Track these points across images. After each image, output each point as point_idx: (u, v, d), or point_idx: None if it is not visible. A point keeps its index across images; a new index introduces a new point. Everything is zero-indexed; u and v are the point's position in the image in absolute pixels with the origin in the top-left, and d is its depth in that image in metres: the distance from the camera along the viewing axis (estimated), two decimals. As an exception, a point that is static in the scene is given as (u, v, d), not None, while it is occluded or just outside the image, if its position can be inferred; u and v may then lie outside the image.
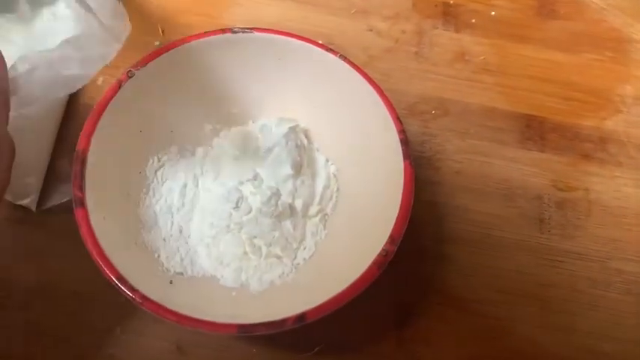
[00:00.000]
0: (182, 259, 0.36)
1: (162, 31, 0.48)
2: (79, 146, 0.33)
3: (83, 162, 0.33)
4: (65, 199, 0.39)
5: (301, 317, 0.31)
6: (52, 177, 0.41)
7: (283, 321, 0.30)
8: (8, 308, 0.37)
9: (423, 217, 0.42)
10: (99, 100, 0.35)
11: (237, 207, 0.37)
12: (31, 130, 0.38)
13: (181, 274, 0.36)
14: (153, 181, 0.38)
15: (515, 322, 0.39)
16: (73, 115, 0.43)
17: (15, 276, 0.37)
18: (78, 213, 0.32)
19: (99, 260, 0.31)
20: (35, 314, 0.37)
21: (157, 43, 0.47)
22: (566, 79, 0.49)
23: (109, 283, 0.30)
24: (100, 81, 0.45)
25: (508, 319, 0.39)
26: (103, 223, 0.32)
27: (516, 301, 0.40)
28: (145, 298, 0.30)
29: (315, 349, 0.37)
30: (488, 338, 0.39)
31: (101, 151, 0.34)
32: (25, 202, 0.39)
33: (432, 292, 0.39)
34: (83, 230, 0.31)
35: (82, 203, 0.32)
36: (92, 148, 0.33)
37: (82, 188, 0.32)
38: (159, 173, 0.38)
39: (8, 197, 0.39)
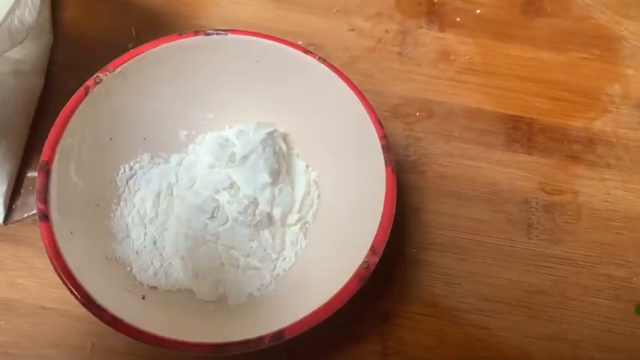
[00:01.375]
0: (156, 273, 0.35)
1: (136, 34, 0.46)
2: (43, 157, 0.31)
3: (47, 173, 0.31)
4: (33, 212, 0.38)
5: (279, 335, 0.29)
6: (20, 188, 0.39)
7: (260, 339, 0.29)
8: (-27, 327, 0.35)
9: (407, 223, 0.40)
10: (63, 108, 0.33)
11: (213, 217, 0.36)
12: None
13: (155, 288, 0.34)
14: (124, 191, 0.36)
15: (503, 331, 0.38)
16: (43, 123, 0.41)
17: (-20, 292, 0.36)
18: (42, 227, 0.30)
19: (64, 277, 0.29)
20: (3, 330, 0.35)
21: (130, 45, 0.45)
22: (554, 79, 0.48)
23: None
24: (70, 85, 0.43)
25: (496, 329, 0.38)
26: (69, 237, 0.31)
27: (504, 310, 0.39)
28: (113, 318, 0.29)
29: (295, 364, 0.36)
30: (476, 348, 0.37)
31: (67, 162, 0.32)
32: (-10, 214, 0.37)
33: (417, 301, 0.38)
34: (47, 245, 0.29)
35: (45, 217, 0.30)
36: (57, 158, 0.32)
37: (46, 201, 0.30)
38: (130, 182, 0.37)
39: (-26, 210, 0.37)
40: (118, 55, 0.36)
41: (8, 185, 0.38)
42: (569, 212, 0.42)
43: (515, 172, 0.43)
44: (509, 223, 0.41)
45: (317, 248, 0.37)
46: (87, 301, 0.29)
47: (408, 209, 0.41)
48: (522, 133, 0.45)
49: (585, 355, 0.38)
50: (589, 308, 0.39)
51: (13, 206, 0.38)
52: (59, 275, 0.29)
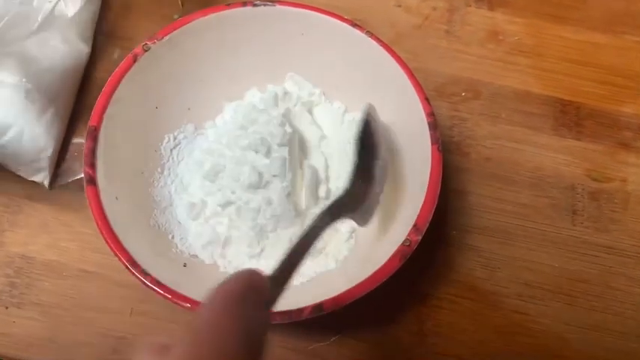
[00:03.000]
0: (204, 236, 0.35)
1: (182, 4, 0.46)
2: (91, 122, 0.32)
3: (95, 139, 0.31)
4: (78, 177, 0.38)
5: (319, 307, 0.29)
6: (66, 154, 0.40)
7: (300, 310, 0.29)
8: (18, 286, 0.36)
9: (448, 204, 0.40)
10: (112, 74, 0.33)
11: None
12: (43, 105, 0.36)
13: (196, 256, 0.35)
14: (168, 160, 0.37)
15: (542, 317, 0.37)
16: (89, 91, 0.42)
17: (25, 252, 0.37)
18: (89, 191, 0.30)
19: (110, 242, 0.29)
20: (44, 293, 0.36)
21: (176, 16, 0.45)
22: (606, 62, 0.46)
23: (121, 264, 0.29)
24: (115, 54, 0.43)
25: (535, 315, 0.37)
26: (114, 202, 0.31)
27: (544, 296, 0.38)
28: (157, 282, 0.29)
29: (331, 339, 0.36)
30: (513, 334, 0.37)
31: (114, 128, 0.33)
32: (37, 178, 0.38)
33: (456, 284, 0.38)
34: (94, 210, 0.30)
35: (92, 181, 0.31)
36: (105, 124, 0.32)
37: (93, 166, 0.31)
38: (174, 152, 0.37)
39: (21, 173, 0.38)
40: (163, 25, 0.36)
41: (54, 150, 0.38)
42: (616, 200, 0.41)
43: (561, 157, 0.42)
44: (553, 208, 0.40)
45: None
46: (131, 264, 0.29)
47: (450, 191, 0.40)
48: (570, 117, 0.44)
49: (627, 347, 0.37)
50: (634, 299, 0.38)
51: (58, 171, 0.39)
52: (105, 239, 0.29)
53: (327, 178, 0.37)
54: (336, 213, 0.29)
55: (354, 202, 0.31)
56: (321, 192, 0.37)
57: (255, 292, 0.21)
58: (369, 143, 0.33)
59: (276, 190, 0.34)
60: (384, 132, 0.35)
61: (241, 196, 0.34)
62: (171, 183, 0.36)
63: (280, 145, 0.35)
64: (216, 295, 0.20)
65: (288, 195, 0.34)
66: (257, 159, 0.35)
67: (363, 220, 0.32)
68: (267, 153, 0.35)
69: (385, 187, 0.33)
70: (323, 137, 0.39)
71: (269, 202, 0.34)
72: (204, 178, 0.35)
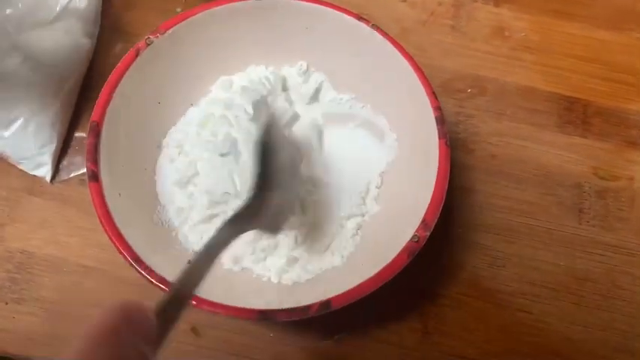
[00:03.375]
0: (201, 238, 0.34)
1: (185, -2, 0.45)
2: (94, 117, 0.31)
3: (98, 134, 0.31)
4: (80, 172, 0.38)
5: (326, 304, 0.29)
6: (68, 148, 0.39)
7: (307, 308, 0.29)
8: (18, 281, 0.35)
9: (454, 202, 0.39)
10: (115, 69, 0.32)
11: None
12: (48, 99, 0.36)
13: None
14: (171, 156, 0.36)
15: (548, 317, 0.37)
16: (91, 85, 0.41)
17: (29, 248, 0.36)
18: (92, 187, 0.30)
19: (113, 238, 0.29)
20: (44, 288, 0.35)
21: (179, 9, 0.44)
22: (612, 60, 0.46)
23: (124, 261, 0.29)
24: (118, 48, 0.43)
25: (541, 314, 0.37)
26: (117, 199, 0.31)
27: (550, 295, 0.37)
28: (161, 279, 0.28)
29: (336, 337, 0.35)
30: (519, 333, 0.36)
31: (117, 123, 0.32)
32: (39, 172, 0.37)
33: (461, 282, 0.37)
34: (96, 206, 0.29)
35: (95, 177, 0.30)
36: (107, 119, 0.32)
37: (96, 162, 0.30)
38: (177, 147, 0.36)
39: (23, 167, 0.37)
40: (165, 19, 0.35)
41: (57, 144, 0.38)
42: (623, 199, 0.41)
43: (568, 154, 0.42)
44: (559, 207, 0.40)
45: (367, 220, 0.36)
46: (135, 261, 0.28)
47: (456, 188, 0.40)
48: (577, 115, 0.44)
49: (634, 347, 0.36)
50: (641, 299, 0.38)
51: (60, 165, 0.39)
52: (108, 235, 0.29)
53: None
54: (238, 226, 0.27)
55: (257, 213, 0.29)
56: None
57: (131, 326, 0.19)
58: (270, 152, 0.30)
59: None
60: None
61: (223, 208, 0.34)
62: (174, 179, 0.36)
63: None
64: (85, 333, 0.19)
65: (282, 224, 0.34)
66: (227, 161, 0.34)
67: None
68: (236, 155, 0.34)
69: (389, 182, 0.33)
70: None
71: None
72: (174, 186, 0.35)
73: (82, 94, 0.41)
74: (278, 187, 0.30)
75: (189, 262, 0.33)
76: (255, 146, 0.29)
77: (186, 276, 0.23)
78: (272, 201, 0.30)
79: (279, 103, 0.39)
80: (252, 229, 0.29)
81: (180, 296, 0.23)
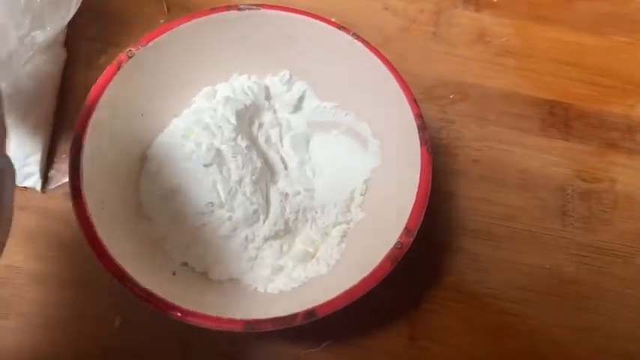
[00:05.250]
0: (187, 249, 0.35)
1: (167, 9, 0.45)
2: (76, 129, 0.31)
3: (79, 148, 0.31)
4: (64, 182, 0.38)
5: (311, 313, 0.29)
6: (54, 157, 0.39)
7: (292, 317, 0.29)
8: (3, 297, 0.35)
9: (438, 207, 0.39)
10: (97, 81, 0.33)
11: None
12: (25, 110, 0.36)
13: (186, 264, 0.34)
14: (155, 167, 0.36)
15: (534, 320, 0.37)
16: (75, 97, 0.41)
17: (14, 262, 0.36)
18: (74, 200, 0.30)
19: (96, 252, 0.29)
20: (30, 303, 0.35)
21: (162, 20, 0.45)
22: (593, 63, 0.47)
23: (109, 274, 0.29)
24: (102, 60, 0.43)
25: (526, 317, 0.37)
26: (101, 212, 0.31)
27: (535, 299, 0.38)
28: (148, 293, 0.28)
29: (323, 345, 0.35)
30: (505, 337, 0.37)
31: (99, 136, 0.32)
32: (29, 182, 0.38)
33: (446, 287, 0.38)
34: (79, 219, 0.29)
35: (78, 190, 0.30)
36: (89, 132, 0.31)
37: (78, 176, 0.30)
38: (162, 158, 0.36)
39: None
40: (150, 30, 0.35)
41: (42, 154, 0.38)
42: (605, 201, 0.41)
43: (550, 158, 0.42)
44: (543, 210, 0.40)
45: (350, 228, 0.36)
46: (119, 275, 0.28)
47: (440, 193, 0.40)
48: (559, 118, 0.44)
49: (619, 348, 0.37)
50: (625, 300, 0.38)
51: (49, 174, 0.39)
52: (92, 249, 0.29)
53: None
54: None
55: None
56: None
57: None
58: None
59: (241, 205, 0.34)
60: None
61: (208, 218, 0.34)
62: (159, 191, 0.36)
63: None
64: None
65: (255, 212, 0.34)
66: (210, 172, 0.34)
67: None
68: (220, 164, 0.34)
69: (373, 189, 0.33)
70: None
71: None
72: (158, 197, 0.35)
73: (66, 106, 0.41)
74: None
75: (174, 273, 0.33)
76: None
77: None
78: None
79: (264, 113, 0.39)
80: None
81: None
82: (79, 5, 0.36)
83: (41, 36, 0.34)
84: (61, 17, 0.36)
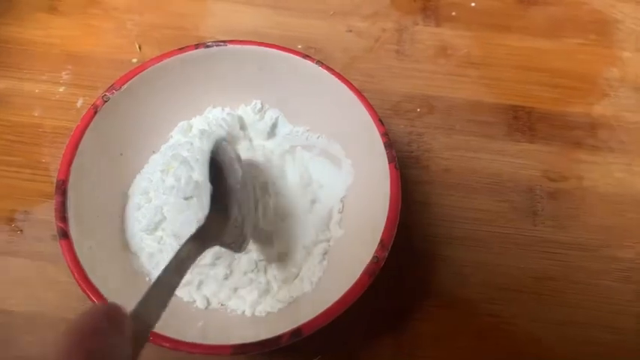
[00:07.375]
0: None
1: (139, 47, 0.47)
2: (59, 176, 0.33)
3: (64, 192, 0.32)
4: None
5: (297, 332, 0.30)
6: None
7: (278, 338, 0.30)
8: None
9: (415, 217, 0.41)
10: (75, 127, 0.34)
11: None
12: None
13: (175, 295, 0.35)
14: (138, 202, 0.37)
15: (513, 318, 0.39)
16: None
17: (4, 307, 0.37)
18: (62, 244, 0.31)
19: (88, 293, 0.30)
20: (25, 345, 0.36)
21: (135, 60, 0.46)
22: (551, 66, 0.49)
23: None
24: (79, 103, 0.44)
25: (506, 316, 0.39)
26: (89, 252, 0.32)
27: (514, 297, 0.39)
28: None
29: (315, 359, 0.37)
30: (488, 337, 0.38)
31: (82, 179, 0.34)
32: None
33: (429, 294, 0.39)
34: (69, 262, 0.31)
35: (65, 234, 0.31)
36: (72, 176, 0.33)
37: (65, 219, 0.32)
38: (143, 193, 0.38)
39: None
40: (123, 70, 0.37)
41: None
42: (574, 198, 0.43)
43: (518, 161, 0.44)
44: (514, 211, 0.42)
45: (332, 246, 0.38)
46: (109, 312, 0.30)
47: (415, 204, 0.42)
48: (523, 122, 0.46)
49: (596, 338, 0.38)
50: (597, 291, 0.40)
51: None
52: (83, 290, 0.30)
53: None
54: (200, 242, 0.28)
55: (218, 228, 0.31)
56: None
57: (112, 324, 0.20)
58: (220, 171, 0.33)
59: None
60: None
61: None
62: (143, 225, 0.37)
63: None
64: (67, 331, 0.19)
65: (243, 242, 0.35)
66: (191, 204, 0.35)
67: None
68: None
69: (349, 206, 0.34)
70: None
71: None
72: (143, 233, 0.36)
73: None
74: (235, 204, 0.32)
75: (158, 278, 0.34)
76: (206, 162, 0.31)
77: (151, 294, 0.24)
78: (230, 218, 0.32)
79: (240, 142, 0.40)
80: (214, 244, 0.30)
81: (146, 314, 0.23)
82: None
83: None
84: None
